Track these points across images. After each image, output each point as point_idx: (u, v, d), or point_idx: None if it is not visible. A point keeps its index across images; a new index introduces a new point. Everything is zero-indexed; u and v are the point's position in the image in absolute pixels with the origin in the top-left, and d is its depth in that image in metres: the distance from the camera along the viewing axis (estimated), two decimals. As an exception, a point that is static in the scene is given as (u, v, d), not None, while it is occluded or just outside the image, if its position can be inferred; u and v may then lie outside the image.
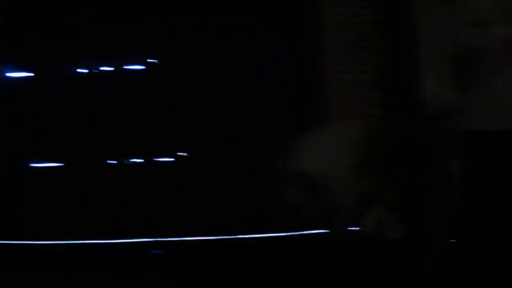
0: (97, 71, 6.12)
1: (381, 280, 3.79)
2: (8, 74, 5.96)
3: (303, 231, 5.56)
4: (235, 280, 4.14)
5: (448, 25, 5.25)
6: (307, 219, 5.28)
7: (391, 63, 6.05)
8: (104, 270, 4.52)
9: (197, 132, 5.99)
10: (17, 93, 5.96)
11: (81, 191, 5.84)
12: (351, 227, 4.81)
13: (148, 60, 6.07)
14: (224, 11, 6.13)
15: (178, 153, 5.98)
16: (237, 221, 5.62)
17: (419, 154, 4.79)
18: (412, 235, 4.53)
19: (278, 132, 5.90)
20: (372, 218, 4.73)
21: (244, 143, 6.01)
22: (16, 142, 5.88)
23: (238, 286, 4.12)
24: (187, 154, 5.99)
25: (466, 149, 3.76)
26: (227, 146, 5.98)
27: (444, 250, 3.87)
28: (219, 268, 4.42)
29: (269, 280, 4.11)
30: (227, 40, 6.13)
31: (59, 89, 6.01)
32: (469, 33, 4.15)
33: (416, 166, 4.77)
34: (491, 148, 3.62)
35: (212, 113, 6.04)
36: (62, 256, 5.13)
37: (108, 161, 5.99)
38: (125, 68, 6.13)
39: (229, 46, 6.12)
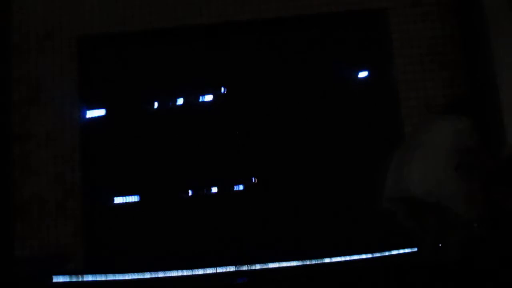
0: (170, 106, 6.27)
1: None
2: (86, 115, 6.18)
3: (391, 251, 5.48)
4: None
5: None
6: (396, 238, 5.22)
7: (465, 76, 5.93)
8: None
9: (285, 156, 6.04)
10: (97, 132, 6.19)
11: (160, 224, 5.95)
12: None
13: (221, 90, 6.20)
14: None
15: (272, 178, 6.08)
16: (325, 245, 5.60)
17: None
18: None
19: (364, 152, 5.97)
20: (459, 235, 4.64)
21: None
22: (100, 180, 6.13)
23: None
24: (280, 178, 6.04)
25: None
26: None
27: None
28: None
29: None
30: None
31: (134, 126, 6.20)
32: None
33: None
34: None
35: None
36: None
37: (185, 193, 6.09)
38: (197, 100, 6.26)
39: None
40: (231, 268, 5.48)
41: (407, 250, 5.44)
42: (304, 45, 6.25)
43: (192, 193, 6.14)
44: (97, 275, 5.30)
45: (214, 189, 6.10)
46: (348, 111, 6.12)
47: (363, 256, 5.55)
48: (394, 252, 5.51)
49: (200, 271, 5.44)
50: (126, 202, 6.07)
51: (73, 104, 6.10)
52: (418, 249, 5.02)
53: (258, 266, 5.47)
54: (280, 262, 5.47)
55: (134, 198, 6.09)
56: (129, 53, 6.33)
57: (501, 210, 5.39)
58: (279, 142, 6.05)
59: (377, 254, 5.51)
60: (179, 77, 6.30)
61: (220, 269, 5.44)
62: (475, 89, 5.85)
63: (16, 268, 5.65)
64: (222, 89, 6.28)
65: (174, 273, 5.44)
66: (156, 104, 6.32)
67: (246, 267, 5.48)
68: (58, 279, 5.37)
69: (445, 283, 3.98)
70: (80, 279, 5.39)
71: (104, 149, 6.21)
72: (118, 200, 6.09)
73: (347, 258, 5.49)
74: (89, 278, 5.42)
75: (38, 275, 5.38)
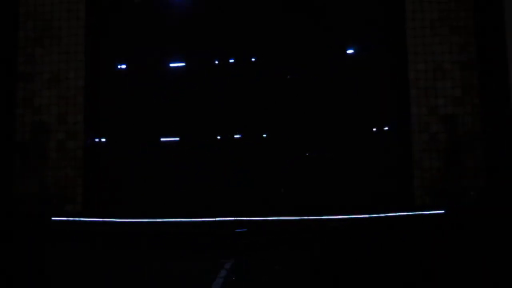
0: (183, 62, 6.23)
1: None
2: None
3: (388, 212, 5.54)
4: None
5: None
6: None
7: (475, 42, 5.93)
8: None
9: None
10: (103, 77, 6.14)
11: (163, 170, 5.96)
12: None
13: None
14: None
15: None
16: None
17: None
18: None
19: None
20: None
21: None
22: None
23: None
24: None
25: None
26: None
27: None
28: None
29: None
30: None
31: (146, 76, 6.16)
32: None
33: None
34: None
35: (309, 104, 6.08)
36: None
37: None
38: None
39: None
40: (230, 218, 5.50)
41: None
42: (315, 9, 6.19)
43: (193, 139, 6.13)
44: (96, 218, 5.31)
45: (217, 137, 6.09)
46: (356, 71, 6.10)
47: (360, 216, 5.60)
48: (391, 214, 5.57)
49: (199, 220, 5.46)
50: (127, 147, 6.05)
51: (79, 45, 6.02)
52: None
53: (257, 218, 5.50)
54: (279, 217, 5.50)
55: (135, 143, 6.06)
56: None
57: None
58: (291, 102, 6.05)
59: (375, 215, 5.55)
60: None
61: (219, 219, 5.45)
62: (484, 56, 5.85)
63: (15, 206, 5.65)
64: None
65: (172, 220, 5.45)
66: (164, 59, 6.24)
67: (245, 218, 5.49)
68: (56, 219, 5.39)
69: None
70: (77, 220, 5.40)
71: (110, 93, 6.16)
72: (119, 143, 6.07)
73: (346, 216, 5.54)
74: (86, 220, 5.43)
75: (37, 215, 5.38)
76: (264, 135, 6.04)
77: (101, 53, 6.18)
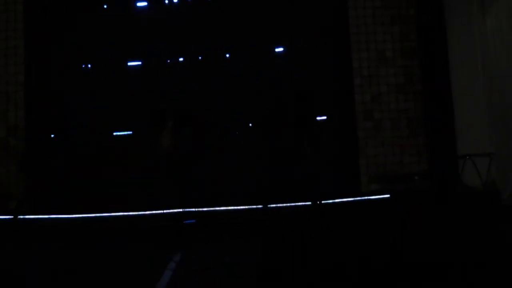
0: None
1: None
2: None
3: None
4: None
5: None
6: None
7: (417, 30, 6.04)
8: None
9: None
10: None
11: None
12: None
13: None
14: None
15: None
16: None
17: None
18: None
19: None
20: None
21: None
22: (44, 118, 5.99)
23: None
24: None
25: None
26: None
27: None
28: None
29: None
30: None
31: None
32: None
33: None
34: None
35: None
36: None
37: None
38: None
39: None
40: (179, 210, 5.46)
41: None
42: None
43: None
44: (38, 215, 5.18)
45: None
46: (301, 58, 6.16)
47: (307, 203, 5.64)
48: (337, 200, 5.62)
49: (147, 212, 5.41)
50: (70, 140, 5.96)
51: (18, 38, 5.87)
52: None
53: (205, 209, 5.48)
54: (228, 206, 5.51)
55: (78, 135, 5.98)
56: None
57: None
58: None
59: (321, 202, 5.59)
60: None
61: (168, 211, 5.41)
62: (425, 43, 6.00)
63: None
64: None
65: (119, 214, 5.38)
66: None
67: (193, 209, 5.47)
68: (-1, 217, 5.23)
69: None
70: (21, 217, 5.26)
71: (50, 86, 6.04)
72: (62, 138, 5.97)
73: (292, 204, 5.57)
74: (30, 217, 5.28)
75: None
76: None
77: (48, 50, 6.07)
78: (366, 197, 5.70)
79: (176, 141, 5.63)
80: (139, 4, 6.22)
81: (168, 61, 6.22)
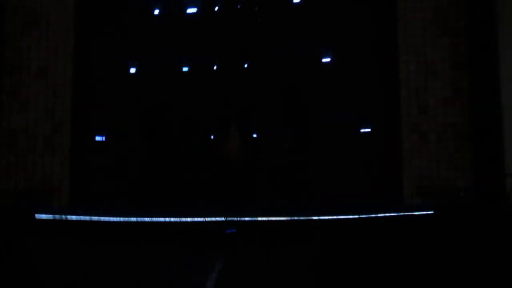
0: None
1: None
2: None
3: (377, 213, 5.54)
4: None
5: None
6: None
7: (468, 43, 5.91)
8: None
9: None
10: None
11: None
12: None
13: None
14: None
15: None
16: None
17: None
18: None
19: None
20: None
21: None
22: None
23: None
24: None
25: None
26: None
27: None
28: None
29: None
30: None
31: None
32: None
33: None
34: None
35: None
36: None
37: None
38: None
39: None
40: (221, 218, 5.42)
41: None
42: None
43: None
44: (81, 216, 5.18)
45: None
46: (348, 68, 6.09)
47: (349, 217, 5.56)
48: (380, 214, 5.52)
49: (189, 219, 5.37)
50: (117, 141, 5.98)
51: (68, 38, 5.89)
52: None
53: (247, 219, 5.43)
54: (269, 217, 5.45)
55: (125, 137, 6.00)
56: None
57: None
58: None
59: (363, 216, 5.51)
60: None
61: (209, 219, 5.37)
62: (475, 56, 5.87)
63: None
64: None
65: (161, 219, 5.35)
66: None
67: (235, 219, 5.42)
68: (40, 216, 5.24)
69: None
70: (63, 218, 5.26)
71: (98, 85, 6.06)
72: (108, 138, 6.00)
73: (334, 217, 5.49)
74: (72, 217, 5.29)
75: (21, 211, 5.25)
76: (255, 135, 6.05)
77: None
78: (409, 213, 5.59)
79: (238, 148, 5.64)
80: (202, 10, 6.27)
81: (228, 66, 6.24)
